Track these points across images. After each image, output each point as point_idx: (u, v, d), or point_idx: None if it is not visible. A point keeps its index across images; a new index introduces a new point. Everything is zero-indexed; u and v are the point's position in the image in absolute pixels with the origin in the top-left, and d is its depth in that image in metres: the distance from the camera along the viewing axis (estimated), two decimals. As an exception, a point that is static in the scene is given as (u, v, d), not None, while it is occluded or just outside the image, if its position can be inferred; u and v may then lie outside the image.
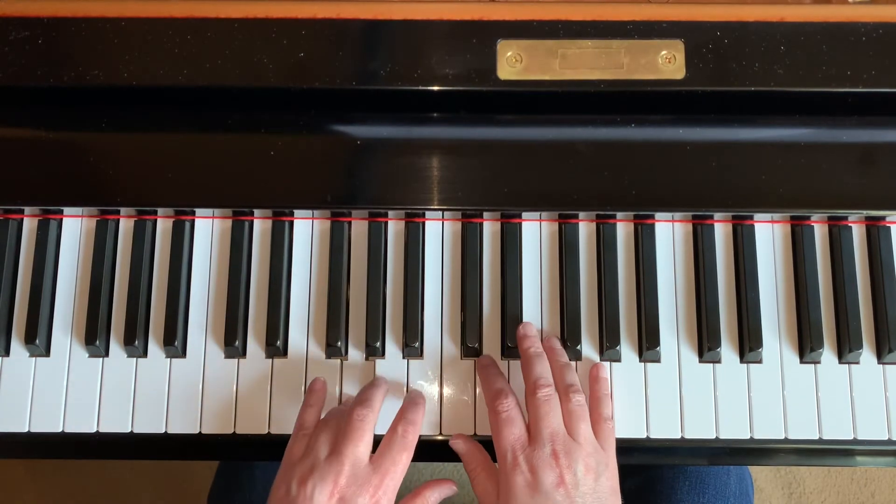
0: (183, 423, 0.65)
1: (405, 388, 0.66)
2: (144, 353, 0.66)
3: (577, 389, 0.61)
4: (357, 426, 0.58)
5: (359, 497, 0.56)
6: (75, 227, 0.68)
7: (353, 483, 0.56)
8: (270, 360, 0.66)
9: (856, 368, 0.66)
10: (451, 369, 0.66)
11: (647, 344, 0.66)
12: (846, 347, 0.65)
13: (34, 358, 0.66)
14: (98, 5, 0.63)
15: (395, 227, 0.69)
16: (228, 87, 0.63)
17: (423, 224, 0.68)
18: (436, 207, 0.64)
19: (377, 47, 0.63)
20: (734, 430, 0.65)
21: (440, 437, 0.65)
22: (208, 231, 0.68)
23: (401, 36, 0.63)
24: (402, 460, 0.58)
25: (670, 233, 0.68)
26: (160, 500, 1.36)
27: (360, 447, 0.57)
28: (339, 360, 0.67)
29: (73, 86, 0.63)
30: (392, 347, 0.67)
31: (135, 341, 0.65)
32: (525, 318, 0.67)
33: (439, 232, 0.68)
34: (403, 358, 0.67)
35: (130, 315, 0.66)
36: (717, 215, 0.68)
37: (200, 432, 0.65)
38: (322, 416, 0.63)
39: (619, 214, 0.67)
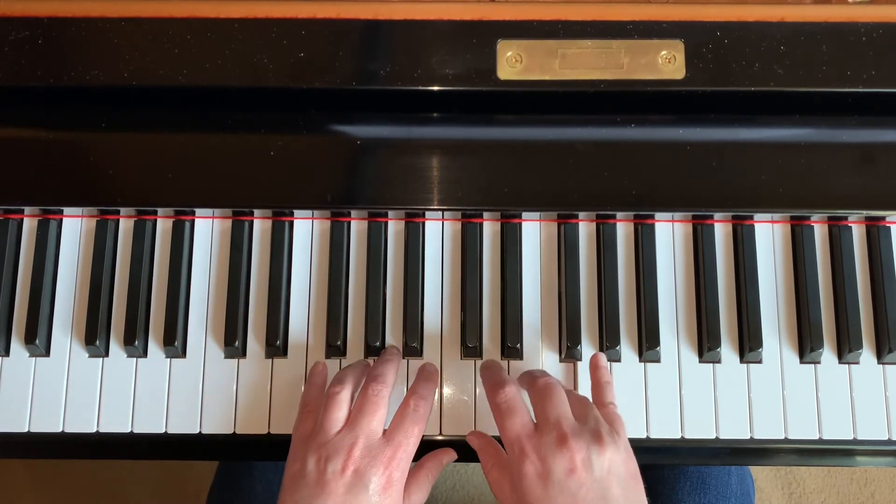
0: (183, 423, 0.65)
1: (404, 389, 0.66)
2: (144, 353, 0.66)
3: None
4: (372, 401, 0.58)
5: (373, 469, 0.56)
6: (75, 227, 0.68)
7: (367, 455, 0.56)
8: (270, 360, 0.66)
9: (856, 368, 0.66)
10: (451, 369, 0.66)
11: (647, 344, 0.66)
12: (846, 347, 0.65)
13: (34, 358, 0.66)
14: (98, 5, 0.63)
15: (395, 227, 0.68)
16: (228, 87, 0.63)
17: (423, 224, 0.68)
18: (436, 207, 0.64)
19: (377, 47, 0.63)
20: (734, 430, 0.65)
21: (440, 437, 0.65)
22: (208, 231, 0.68)
23: (401, 36, 0.63)
24: (414, 434, 0.58)
25: (670, 233, 0.68)
26: (160, 501, 1.36)
27: (374, 421, 0.58)
28: (339, 360, 0.66)
29: (73, 86, 0.63)
30: (392, 347, 0.67)
31: (135, 341, 0.65)
32: (525, 317, 0.67)
33: (439, 232, 0.68)
34: (403, 357, 0.66)
35: (130, 315, 0.66)
36: (717, 215, 0.68)
37: (200, 432, 0.65)
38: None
39: (619, 214, 0.67)
